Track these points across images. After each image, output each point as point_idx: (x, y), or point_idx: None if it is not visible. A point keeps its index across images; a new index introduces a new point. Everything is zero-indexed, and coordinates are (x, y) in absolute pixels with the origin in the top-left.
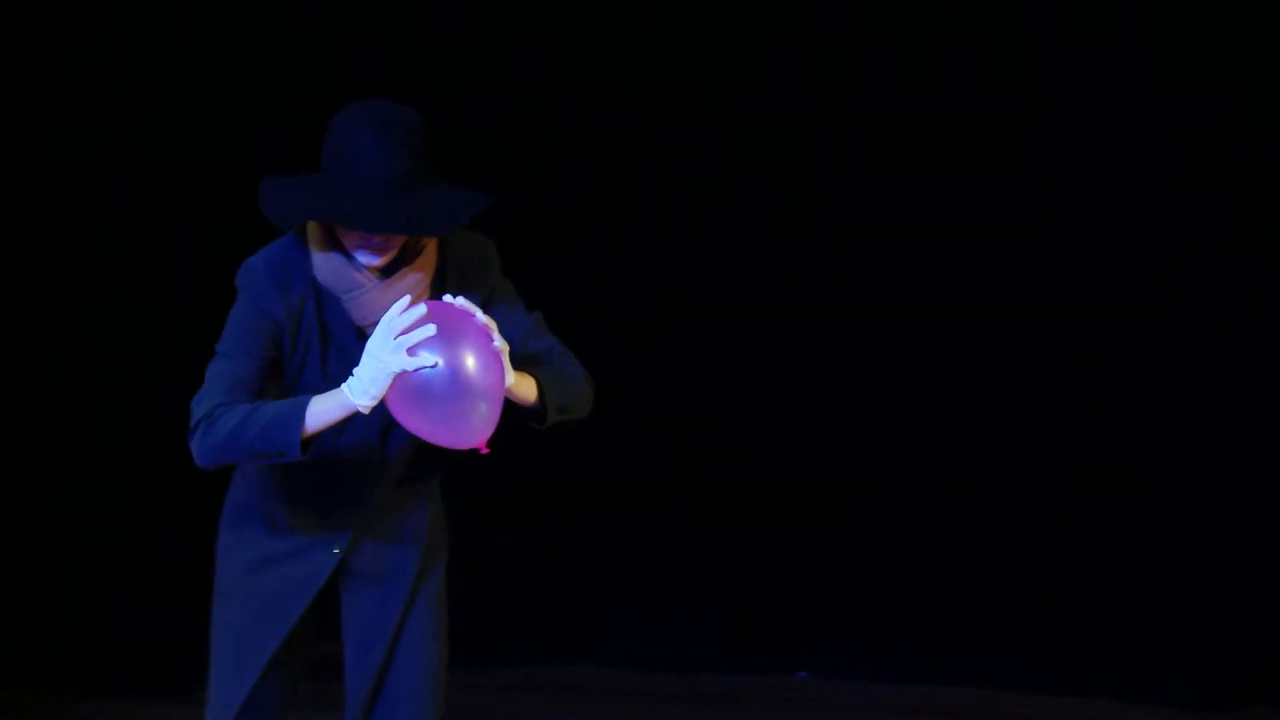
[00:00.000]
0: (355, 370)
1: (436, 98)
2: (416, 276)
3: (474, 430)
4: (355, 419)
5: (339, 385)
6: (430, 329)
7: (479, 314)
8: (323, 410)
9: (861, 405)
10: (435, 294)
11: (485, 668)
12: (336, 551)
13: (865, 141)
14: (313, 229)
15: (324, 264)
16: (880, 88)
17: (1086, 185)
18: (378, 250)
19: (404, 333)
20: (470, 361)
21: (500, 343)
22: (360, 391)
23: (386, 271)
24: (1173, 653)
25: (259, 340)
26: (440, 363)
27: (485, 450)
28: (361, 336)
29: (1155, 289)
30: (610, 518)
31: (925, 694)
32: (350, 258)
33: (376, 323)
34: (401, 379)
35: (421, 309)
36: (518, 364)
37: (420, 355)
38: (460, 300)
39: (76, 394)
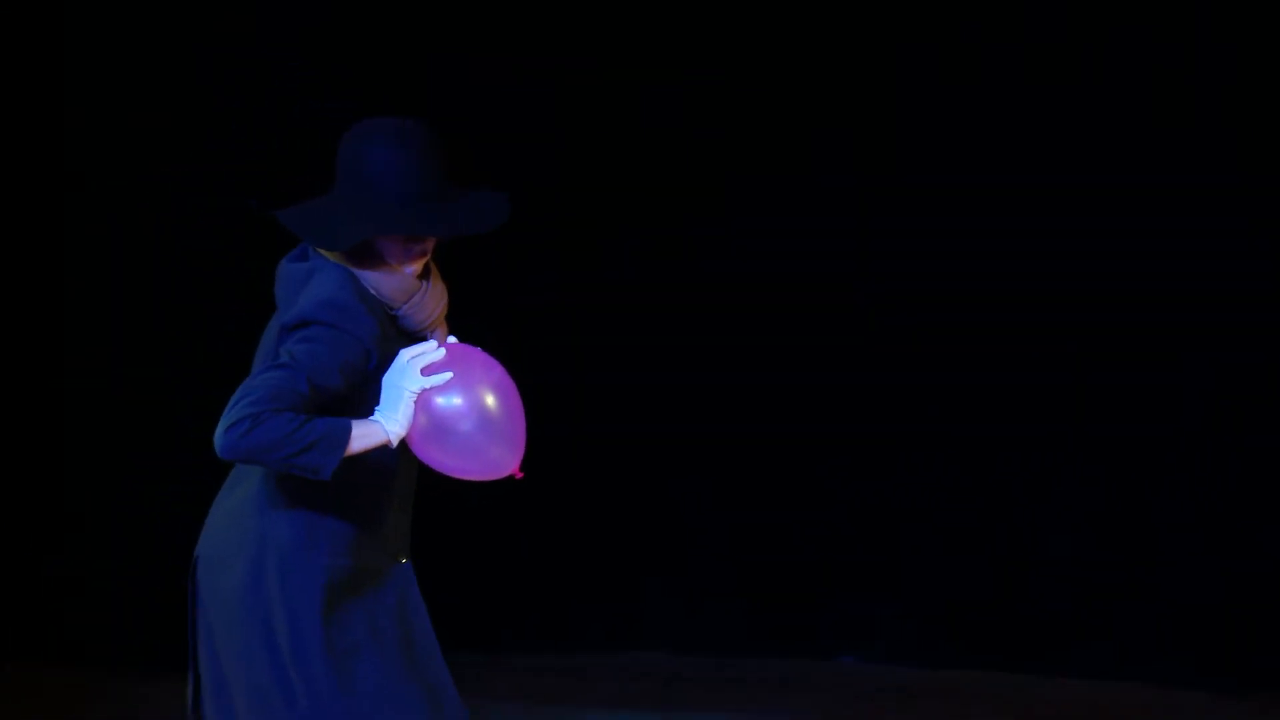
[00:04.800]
0: (379, 406)
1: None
2: (438, 280)
3: (501, 459)
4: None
5: None
6: (440, 351)
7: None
8: (360, 436)
9: (884, 408)
10: None
11: (526, 653)
12: (404, 561)
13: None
14: (341, 255)
15: (383, 281)
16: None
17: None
18: (420, 256)
19: (424, 371)
20: (487, 391)
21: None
22: (389, 419)
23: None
24: (1202, 637)
25: (339, 374)
26: (454, 375)
27: (520, 475)
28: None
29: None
30: (654, 510)
31: (955, 678)
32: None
33: (428, 326)
34: (424, 423)
35: (434, 344)
36: None
37: (434, 377)
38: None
39: (103, 381)
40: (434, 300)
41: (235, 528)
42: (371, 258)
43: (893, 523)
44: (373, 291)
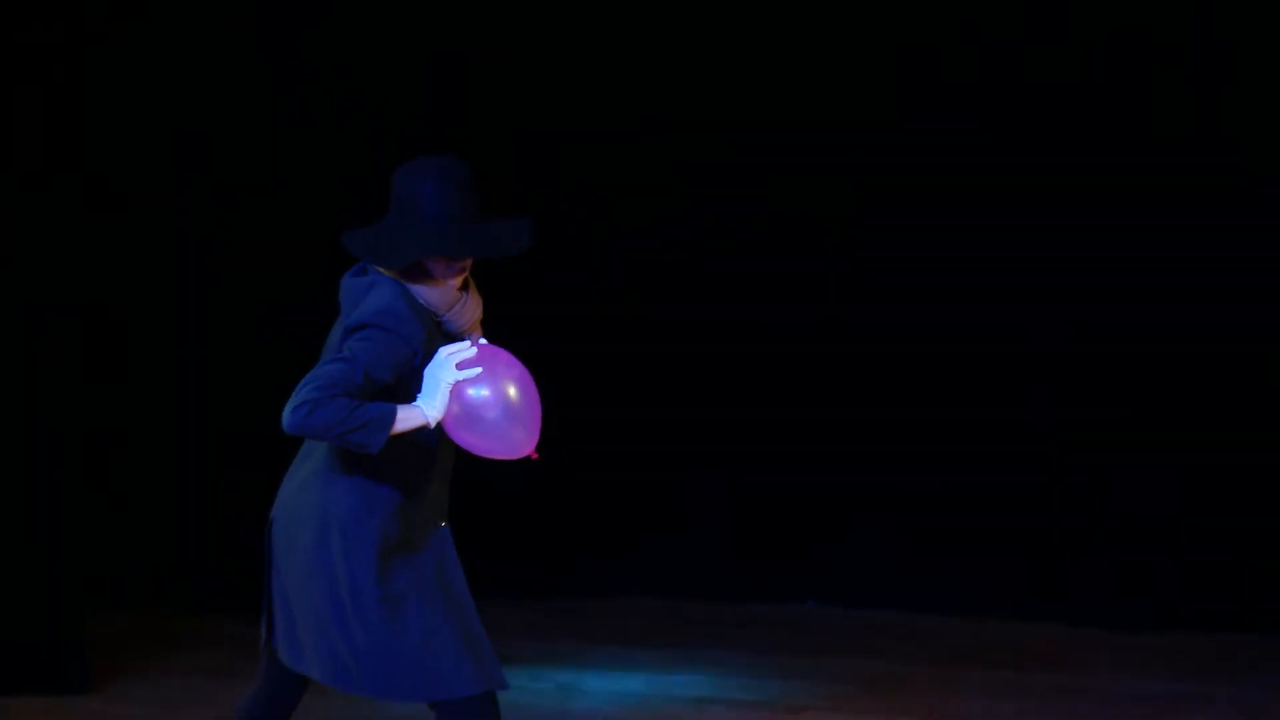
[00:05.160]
0: (420, 394)
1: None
2: (474, 291)
3: (521, 441)
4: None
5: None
6: (473, 350)
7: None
8: (404, 419)
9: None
10: None
11: (537, 598)
12: (444, 524)
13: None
14: (395, 271)
15: (430, 293)
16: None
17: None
18: (461, 273)
19: (459, 365)
20: (510, 385)
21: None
22: (429, 404)
23: (462, 290)
24: (1105, 580)
25: (389, 369)
26: (483, 371)
27: (535, 456)
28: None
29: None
30: (652, 480)
31: (900, 620)
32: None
33: (467, 330)
34: (456, 410)
35: (468, 343)
36: None
37: (467, 371)
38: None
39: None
40: (472, 309)
41: (303, 498)
42: (421, 274)
43: (851, 490)
44: (421, 302)
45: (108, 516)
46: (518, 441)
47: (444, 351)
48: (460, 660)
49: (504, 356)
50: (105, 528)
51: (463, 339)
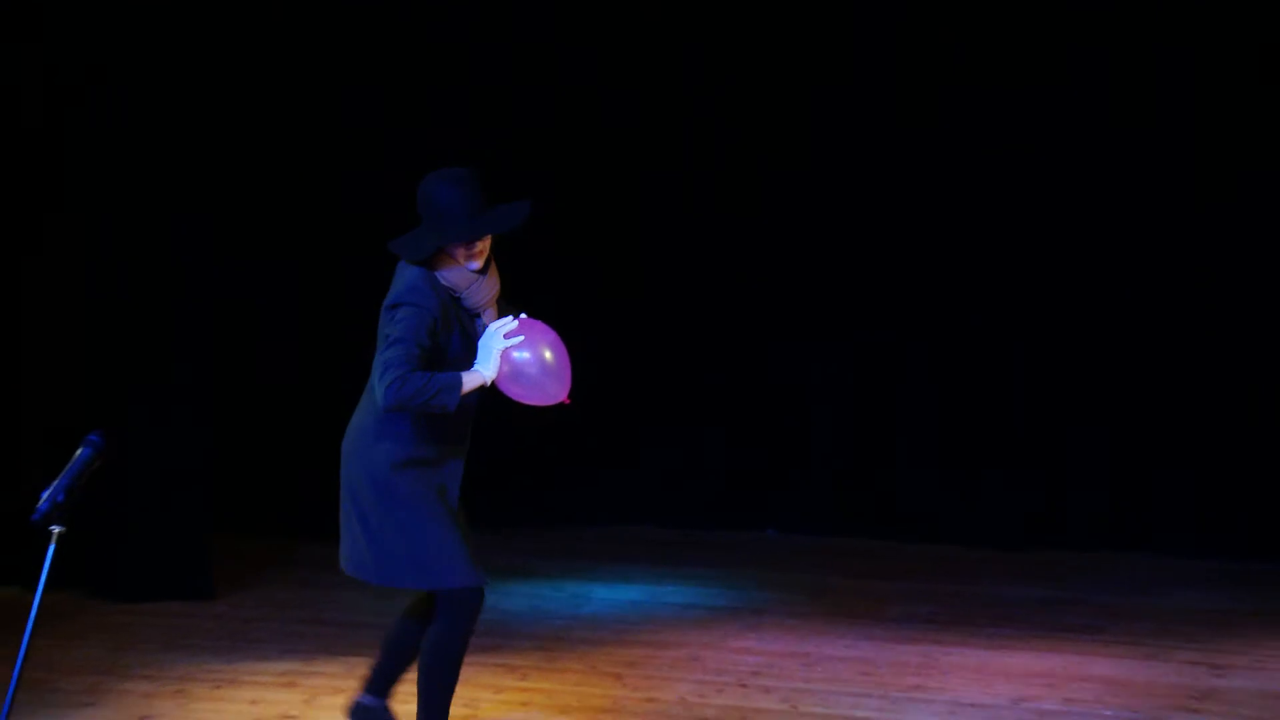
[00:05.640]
0: (477, 360)
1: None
2: (493, 273)
3: (556, 391)
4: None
5: (468, 355)
6: (515, 324)
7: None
8: (468, 381)
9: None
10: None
11: (555, 526)
12: (462, 460)
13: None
14: (428, 260)
15: (450, 274)
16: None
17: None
18: (479, 256)
19: (505, 335)
20: (546, 348)
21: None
22: (484, 367)
23: (480, 273)
24: (993, 509)
25: (427, 335)
26: (524, 338)
27: (568, 402)
28: (474, 320)
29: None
30: (647, 427)
31: (839, 544)
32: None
33: (484, 305)
34: (505, 370)
35: (512, 319)
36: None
37: (512, 339)
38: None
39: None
40: (488, 287)
41: (350, 433)
42: (445, 259)
43: (806, 439)
44: (443, 282)
45: (228, 461)
46: (554, 392)
47: (493, 326)
48: (455, 559)
49: (540, 326)
50: (226, 470)
51: (481, 313)
